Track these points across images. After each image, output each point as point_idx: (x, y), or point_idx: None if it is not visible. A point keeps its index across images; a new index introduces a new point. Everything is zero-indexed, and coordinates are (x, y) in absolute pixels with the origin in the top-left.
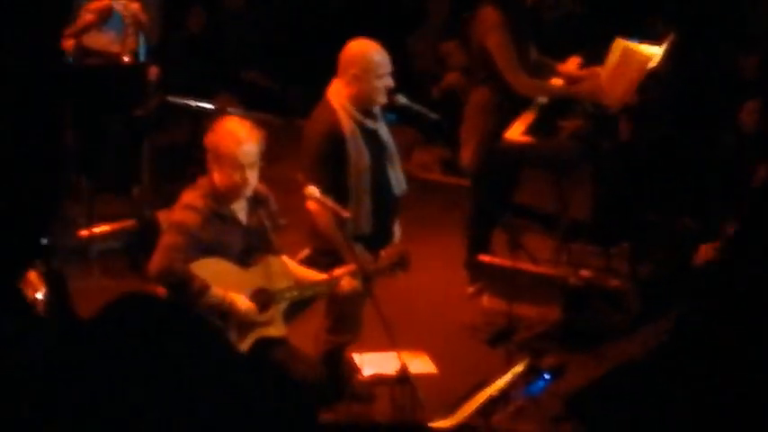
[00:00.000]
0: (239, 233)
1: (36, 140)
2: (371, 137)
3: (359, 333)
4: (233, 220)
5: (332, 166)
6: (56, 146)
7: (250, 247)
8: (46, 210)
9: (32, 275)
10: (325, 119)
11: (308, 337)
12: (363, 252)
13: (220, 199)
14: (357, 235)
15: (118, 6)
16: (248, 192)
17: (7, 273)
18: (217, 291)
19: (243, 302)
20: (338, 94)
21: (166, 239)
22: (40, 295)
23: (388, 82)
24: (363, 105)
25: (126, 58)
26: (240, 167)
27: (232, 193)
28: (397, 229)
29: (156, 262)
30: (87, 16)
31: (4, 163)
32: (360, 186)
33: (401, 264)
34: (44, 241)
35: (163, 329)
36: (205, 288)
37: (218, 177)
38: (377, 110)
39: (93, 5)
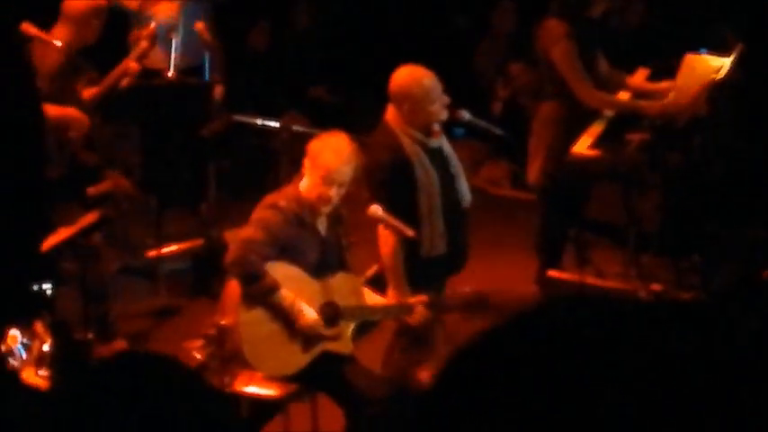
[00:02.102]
0: (317, 243)
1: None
2: (436, 155)
3: (431, 354)
4: (313, 228)
5: (400, 192)
6: (37, 183)
7: (325, 261)
8: (28, 258)
9: (39, 327)
10: (387, 145)
11: (375, 355)
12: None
13: (304, 205)
14: (432, 256)
15: (162, 19)
16: (328, 209)
17: None
18: (287, 294)
19: (310, 315)
20: (396, 118)
21: (246, 233)
22: (46, 347)
23: (444, 100)
24: (424, 127)
25: (170, 73)
26: (330, 183)
27: (314, 204)
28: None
29: (233, 252)
30: (142, 44)
31: None
32: (432, 207)
33: (480, 306)
34: (48, 290)
35: (160, 386)
36: (275, 287)
37: (306, 184)
38: (437, 126)
39: (144, 33)
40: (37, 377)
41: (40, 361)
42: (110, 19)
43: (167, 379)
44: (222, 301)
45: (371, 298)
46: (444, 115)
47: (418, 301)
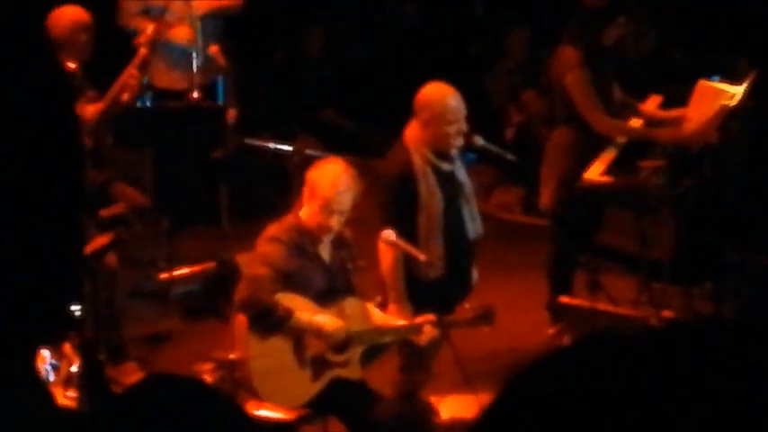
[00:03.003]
0: (321, 271)
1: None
2: (447, 179)
3: (431, 371)
4: (316, 256)
5: (403, 207)
6: (76, 200)
7: (331, 288)
8: (64, 278)
9: (67, 348)
10: (398, 159)
11: (385, 379)
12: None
13: (305, 234)
14: (430, 279)
15: (179, 41)
16: (329, 236)
17: (20, 348)
18: (301, 315)
19: (331, 323)
20: (414, 135)
21: (251, 271)
22: (74, 368)
23: (462, 127)
24: (438, 148)
25: (195, 95)
26: (330, 212)
27: (316, 232)
28: (474, 273)
29: (242, 292)
30: (141, 51)
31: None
32: (431, 228)
33: (485, 318)
34: (77, 311)
35: (187, 408)
36: (289, 315)
37: (306, 212)
38: (454, 152)
39: (142, 38)
40: (65, 398)
41: (68, 382)
42: (123, 42)
43: (203, 404)
44: (231, 334)
45: (380, 318)
46: (460, 142)
47: (425, 320)
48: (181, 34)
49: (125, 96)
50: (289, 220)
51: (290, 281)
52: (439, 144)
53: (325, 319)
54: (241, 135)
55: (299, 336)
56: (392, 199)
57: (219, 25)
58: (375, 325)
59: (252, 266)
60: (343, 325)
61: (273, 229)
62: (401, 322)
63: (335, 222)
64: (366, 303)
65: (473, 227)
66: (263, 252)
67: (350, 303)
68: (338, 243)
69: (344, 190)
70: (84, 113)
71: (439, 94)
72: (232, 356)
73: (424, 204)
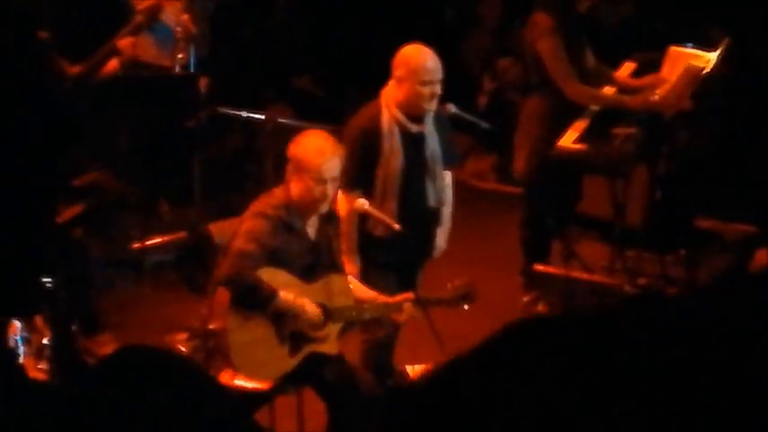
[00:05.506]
0: (306, 248)
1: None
2: (414, 142)
3: (394, 329)
4: (302, 233)
5: (362, 160)
6: (45, 174)
7: (315, 264)
8: (35, 250)
9: (38, 320)
10: (367, 114)
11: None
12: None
13: (293, 211)
14: (385, 237)
15: (168, 19)
16: (325, 207)
17: None
18: (286, 295)
19: (312, 308)
20: (389, 94)
21: (237, 246)
22: (46, 341)
23: (435, 90)
24: (409, 109)
25: (177, 71)
26: (323, 182)
27: (309, 206)
28: (440, 240)
29: (226, 268)
30: (137, 17)
31: None
32: (387, 187)
33: (467, 297)
34: (48, 284)
35: (160, 379)
36: (273, 293)
37: (296, 189)
38: (428, 117)
39: (141, 6)
40: (36, 370)
41: (39, 354)
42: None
43: (177, 374)
44: (210, 305)
45: (362, 293)
46: (433, 106)
47: (405, 298)
48: (167, 9)
49: (114, 63)
50: (277, 195)
51: (274, 256)
52: (411, 104)
53: (306, 303)
54: (213, 104)
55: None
56: (354, 151)
57: (209, 7)
58: (356, 302)
59: (238, 241)
60: (320, 312)
61: (261, 205)
62: (382, 299)
63: (330, 191)
64: (347, 278)
65: (434, 194)
66: (250, 227)
67: (333, 279)
68: (326, 218)
69: (331, 156)
70: (64, 75)
71: (417, 53)
72: (211, 326)
73: (384, 161)
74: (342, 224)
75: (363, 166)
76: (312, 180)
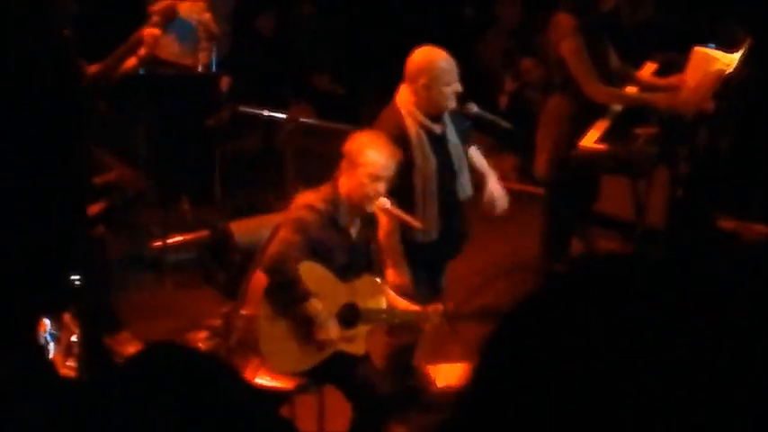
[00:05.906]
0: (346, 247)
1: (50, 169)
2: (439, 142)
3: (418, 334)
4: (345, 231)
5: (398, 171)
6: (74, 173)
7: (351, 263)
8: (64, 249)
9: (67, 317)
10: (391, 123)
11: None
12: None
13: (340, 208)
14: (426, 242)
15: (190, 18)
16: (371, 207)
17: (19, 318)
18: (316, 304)
19: (333, 329)
20: (406, 99)
21: (284, 234)
22: (74, 338)
23: (457, 87)
24: (431, 111)
25: (200, 70)
26: (377, 179)
27: (357, 203)
28: (468, 232)
29: (272, 253)
30: (153, 18)
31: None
32: (426, 192)
33: (494, 316)
34: (77, 281)
35: (190, 378)
36: (306, 296)
37: (348, 185)
38: (446, 115)
39: (157, 7)
40: (65, 367)
41: (67, 351)
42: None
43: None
44: (245, 291)
45: (391, 298)
46: (453, 104)
47: (435, 310)
48: (186, 9)
49: (141, 52)
50: (327, 190)
51: (316, 250)
52: (435, 107)
53: (331, 324)
54: (235, 102)
55: None
56: None
57: (230, 3)
58: (388, 306)
59: (285, 230)
60: (338, 336)
61: (309, 198)
62: (413, 307)
63: (382, 189)
64: (380, 283)
65: (462, 189)
66: (299, 217)
67: (367, 281)
68: (368, 221)
69: (389, 155)
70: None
71: (433, 58)
72: (243, 312)
73: (419, 169)
74: (385, 239)
75: (399, 177)
76: (366, 176)
